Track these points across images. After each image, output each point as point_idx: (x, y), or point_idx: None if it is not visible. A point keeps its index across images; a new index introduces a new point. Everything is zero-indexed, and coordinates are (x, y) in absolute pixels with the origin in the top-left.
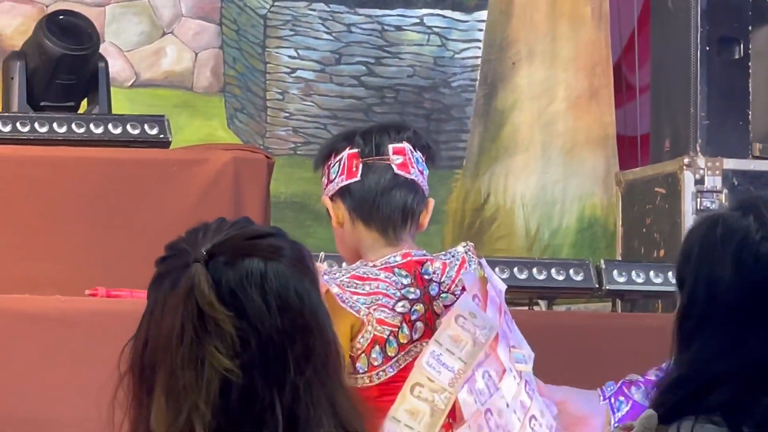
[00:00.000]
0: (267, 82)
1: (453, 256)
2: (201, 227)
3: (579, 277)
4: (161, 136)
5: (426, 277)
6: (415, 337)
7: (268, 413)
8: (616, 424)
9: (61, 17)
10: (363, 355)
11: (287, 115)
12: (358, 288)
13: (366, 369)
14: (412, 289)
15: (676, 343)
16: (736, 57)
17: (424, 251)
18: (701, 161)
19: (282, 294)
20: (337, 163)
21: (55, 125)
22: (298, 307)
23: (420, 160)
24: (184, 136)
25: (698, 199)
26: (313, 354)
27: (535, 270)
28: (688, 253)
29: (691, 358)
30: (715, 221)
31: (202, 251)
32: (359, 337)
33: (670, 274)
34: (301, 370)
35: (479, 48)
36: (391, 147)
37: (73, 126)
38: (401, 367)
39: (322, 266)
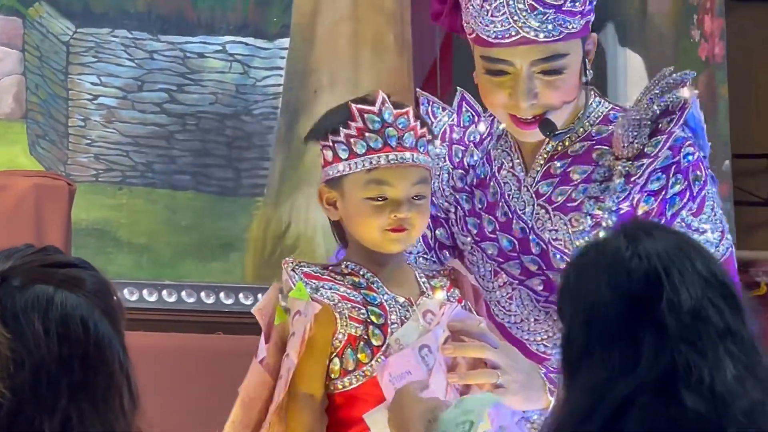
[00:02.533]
0: (69, 108)
1: None
2: (4, 251)
3: None
4: None
5: None
6: None
7: None
8: None
9: None
10: None
11: (89, 141)
12: None
13: None
14: None
15: (562, 373)
16: None
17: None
18: None
19: (65, 322)
20: None
21: None
22: (81, 337)
23: None
24: None
25: None
26: (92, 385)
27: None
28: (564, 281)
29: (582, 385)
30: (587, 246)
31: None
32: None
33: None
34: (76, 399)
35: (281, 76)
36: None
37: None
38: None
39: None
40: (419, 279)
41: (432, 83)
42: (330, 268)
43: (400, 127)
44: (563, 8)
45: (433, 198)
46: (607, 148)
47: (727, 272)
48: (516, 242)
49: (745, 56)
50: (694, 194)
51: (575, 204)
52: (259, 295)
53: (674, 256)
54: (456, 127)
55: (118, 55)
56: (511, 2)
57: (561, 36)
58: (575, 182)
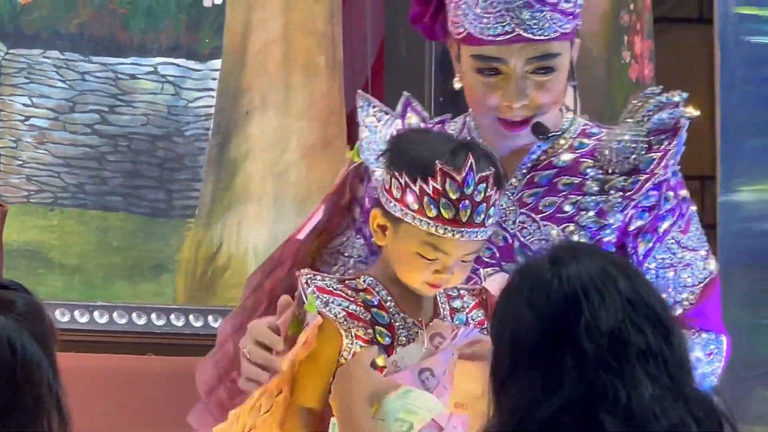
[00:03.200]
0: (1, 130)
1: None
2: None
3: None
4: None
5: None
6: None
7: None
8: None
9: None
10: None
11: (21, 163)
12: None
13: None
14: None
15: (491, 395)
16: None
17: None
18: None
19: None
20: None
21: None
22: (8, 359)
23: None
24: None
25: None
26: (19, 407)
27: None
28: (494, 307)
29: (508, 404)
30: (515, 270)
31: None
32: None
33: None
34: (3, 421)
35: (213, 97)
36: None
37: None
38: None
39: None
40: (439, 300)
41: None
42: (346, 282)
43: (476, 199)
44: (558, 7)
45: None
46: (592, 161)
47: (655, 293)
48: (496, 250)
49: (673, 77)
50: (683, 212)
51: (566, 215)
52: (191, 317)
53: (596, 279)
54: None
55: (49, 77)
56: None
57: (556, 35)
58: (563, 193)
